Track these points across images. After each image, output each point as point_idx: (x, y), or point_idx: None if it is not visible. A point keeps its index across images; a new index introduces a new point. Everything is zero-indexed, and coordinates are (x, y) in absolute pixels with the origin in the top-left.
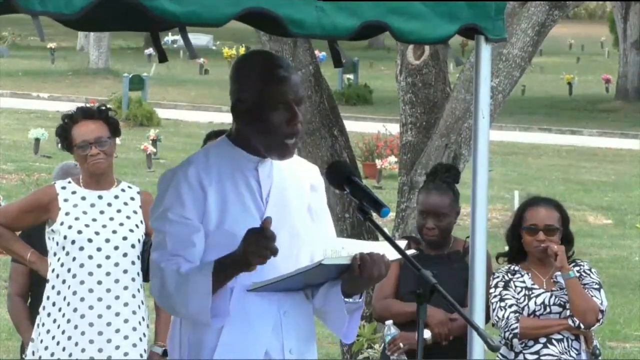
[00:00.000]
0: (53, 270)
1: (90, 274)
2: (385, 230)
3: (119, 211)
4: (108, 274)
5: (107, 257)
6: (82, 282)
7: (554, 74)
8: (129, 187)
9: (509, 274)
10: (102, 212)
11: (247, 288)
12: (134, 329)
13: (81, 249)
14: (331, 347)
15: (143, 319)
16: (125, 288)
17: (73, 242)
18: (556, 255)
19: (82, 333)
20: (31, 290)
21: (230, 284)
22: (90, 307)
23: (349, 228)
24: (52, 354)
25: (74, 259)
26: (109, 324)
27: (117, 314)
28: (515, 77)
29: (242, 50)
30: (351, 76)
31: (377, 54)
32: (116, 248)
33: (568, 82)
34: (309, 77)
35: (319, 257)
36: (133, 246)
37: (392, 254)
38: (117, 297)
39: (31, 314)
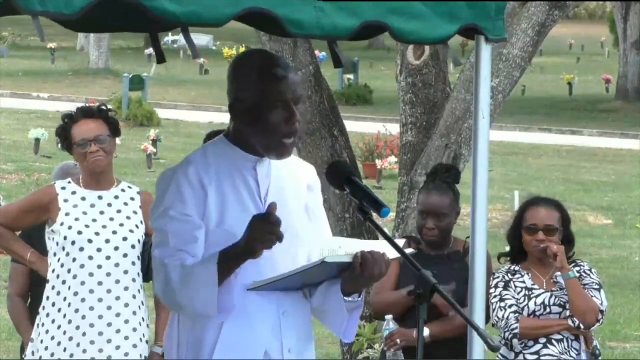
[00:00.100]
0: (53, 271)
1: (91, 274)
2: (385, 230)
3: (119, 211)
4: (108, 274)
5: (107, 258)
6: (82, 283)
7: (554, 74)
8: (128, 187)
9: (508, 274)
10: (102, 213)
11: (247, 287)
12: (134, 329)
13: (81, 249)
14: (331, 347)
15: (143, 319)
16: (126, 289)
17: (73, 242)
18: (555, 256)
19: (84, 334)
20: (31, 290)
21: (231, 283)
22: (91, 308)
23: (349, 228)
24: (52, 354)
25: (74, 259)
26: (109, 324)
27: (118, 315)
28: (515, 77)
29: (242, 50)
30: (351, 76)
31: (377, 54)
32: (116, 248)
33: (568, 82)
34: (309, 77)
35: (316, 256)
36: (133, 246)
37: (391, 253)
38: (117, 298)
39: (31, 314)
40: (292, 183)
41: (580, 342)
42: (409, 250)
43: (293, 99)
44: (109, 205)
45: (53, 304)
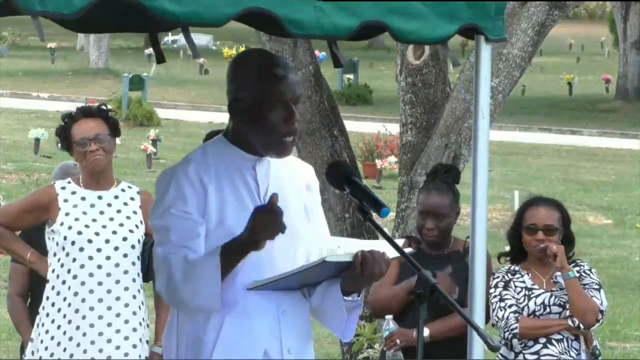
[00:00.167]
0: (53, 271)
1: (91, 274)
2: (385, 230)
3: (118, 211)
4: (109, 274)
5: (108, 258)
6: (82, 283)
7: (554, 74)
8: (128, 187)
9: (508, 274)
10: (102, 213)
11: (248, 287)
12: (134, 329)
13: (81, 249)
14: (331, 347)
15: (143, 319)
16: (126, 289)
17: (73, 243)
18: (555, 256)
19: (84, 334)
20: (31, 290)
21: (230, 283)
22: (91, 309)
23: (349, 228)
24: (52, 354)
25: (74, 259)
26: (109, 324)
27: (118, 315)
28: (515, 77)
29: (242, 50)
30: (351, 76)
31: (377, 54)
32: (116, 249)
33: (568, 82)
34: (309, 77)
35: (315, 256)
36: (133, 247)
37: (391, 253)
38: (117, 298)
39: (31, 314)
40: (291, 183)
41: (580, 342)
42: (408, 250)
43: (293, 99)
44: (109, 205)
45: (53, 304)
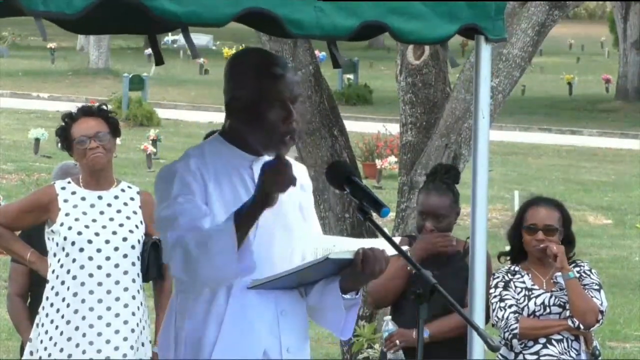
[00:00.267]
0: (53, 272)
1: (91, 275)
2: (385, 230)
3: (118, 212)
4: (108, 275)
5: (107, 259)
6: (82, 284)
7: (554, 74)
8: (128, 187)
9: (508, 275)
10: (102, 213)
11: (247, 286)
12: (133, 330)
13: (81, 250)
14: (331, 347)
15: (142, 320)
16: (126, 289)
17: (73, 243)
18: (555, 256)
19: (84, 335)
20: (31, 291)
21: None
22: (91, 309)
23: (349, 228)
24: (50, 355)
25: (73, 260)
26: (108, 324)
27: (117, 315)
28: (515, 77)
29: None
30: (351, 76)
31: (377, 54)
32: (116, 249)
33: (568, 82)
34: (309, 77)
35: (310, 255)
36: (133, 247)
37: (389, 251)
38: (117, 299)
39: (31, 314)
40: None
41: (580, 342)
42: (405, 248)
43: (291, 98)
44: (109, 205)
45: (52, 305)
